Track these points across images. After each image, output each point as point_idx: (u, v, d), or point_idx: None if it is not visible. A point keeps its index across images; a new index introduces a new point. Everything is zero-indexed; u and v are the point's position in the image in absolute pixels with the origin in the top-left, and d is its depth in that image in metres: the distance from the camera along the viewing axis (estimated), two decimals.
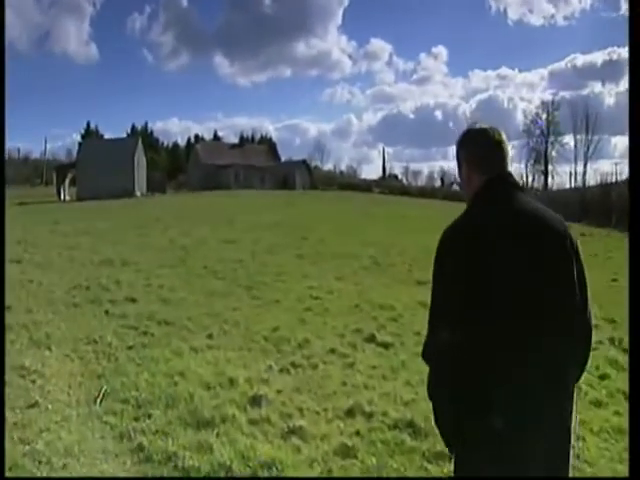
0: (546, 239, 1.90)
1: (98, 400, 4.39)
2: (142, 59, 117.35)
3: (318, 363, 5.49)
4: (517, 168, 57.93)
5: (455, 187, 59.20)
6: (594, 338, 2.05)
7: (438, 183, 72.95)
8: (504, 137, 2.05)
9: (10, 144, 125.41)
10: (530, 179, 59.46)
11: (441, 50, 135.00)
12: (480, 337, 1.79)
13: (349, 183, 67.86)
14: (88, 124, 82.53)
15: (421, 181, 76.00)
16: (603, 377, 5.29)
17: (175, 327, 6.69)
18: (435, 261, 1.91)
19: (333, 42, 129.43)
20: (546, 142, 60.42)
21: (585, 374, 2.13)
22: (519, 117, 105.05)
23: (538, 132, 60.78)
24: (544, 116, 60.54)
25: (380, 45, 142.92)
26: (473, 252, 1.82)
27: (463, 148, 2.08)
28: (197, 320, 6.98)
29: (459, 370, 1.80)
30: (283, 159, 69.89)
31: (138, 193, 51.98)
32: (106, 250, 12.71)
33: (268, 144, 75.14)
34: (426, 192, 58.38)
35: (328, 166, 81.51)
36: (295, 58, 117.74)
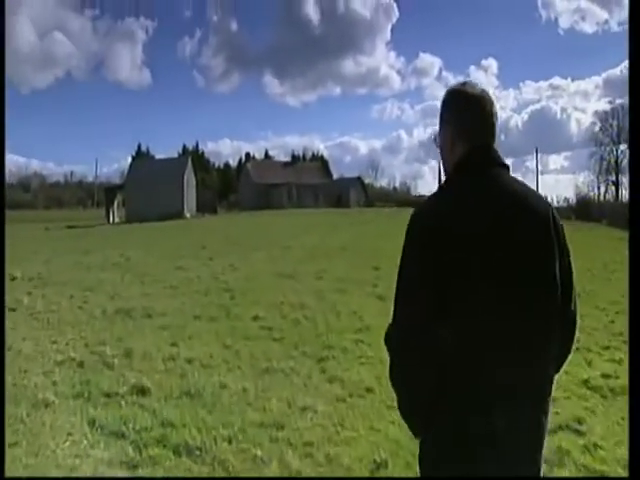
0: (526, 222, 1.68)
1: None
2: (193, 82, 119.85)
3: None
4: (587, 177, 54.24)
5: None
6: None
7: None
8: (495, 106, 1.77)
9: (66, 168, 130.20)
10: (602, 190, 55.11)
11: (491, 62, 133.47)
12: (450, 327, 1.61)
13: (406, 199, 66.40)
14: (139, 146, 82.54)
15: None
16: None
17: (204, 464, 3.63)
18: (404, 243, 1.69)
19: (381, 58, 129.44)
20: (616, 151, 55.78)
21: None
22: (573, 128, 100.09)
23: (607, 140, 56.14)
24: (614, 123, 55.79)
25: (429, 60, 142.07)
26: (445, 235, 1.61)
27: (450, 110, 1.80)
28: (244, 450, 3.87)
29: (429, 359, 1.62)
30: (335, 177, 67.65)
31: (187, 214, 50.15)
32: (130, 292, 9.86)
33: (320, 161, 73.27)
34: None
35: (380, 183, 79.56)
36: (344, 76, 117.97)
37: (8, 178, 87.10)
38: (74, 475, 3.17)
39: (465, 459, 1.62)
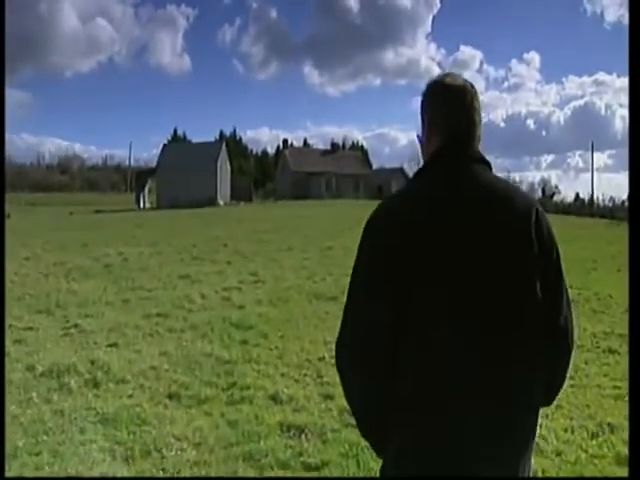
0: (498, 221, 1.49)
1: None
2: (233, 69, 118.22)
3: None
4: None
5: (555, 198, 55.46)
6: None
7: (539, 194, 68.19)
8: (478, 99, 1.61)
9: (107, 152, 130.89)
10: None
11: (533, 56, 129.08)
12: (402, 346, 1.43)
13: None
14: (175, 130, 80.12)
15: None
16: None
17: None
18: (361, 240, 1.53)
19: (422, 50, 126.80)
20: None
21: None
22: (618, 125, 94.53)
23: None
24: None
25: (470, 52, 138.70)
26: (401, 237, 1.44)
27: (428, 100, 1.64)
28: None
29: (380, 381, 1.46)
30: (374, 168, 64.36)
31: (221, 201, 47.31)
32: (91, 322, 6.63)
33: (360, 151, 69.91)
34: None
35: None
36: (384, 67, 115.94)
37: (49, 159, 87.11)
38: None
39: None
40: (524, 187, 75.23)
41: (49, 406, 4.15)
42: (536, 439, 1.53)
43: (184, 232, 18.43)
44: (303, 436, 3.71)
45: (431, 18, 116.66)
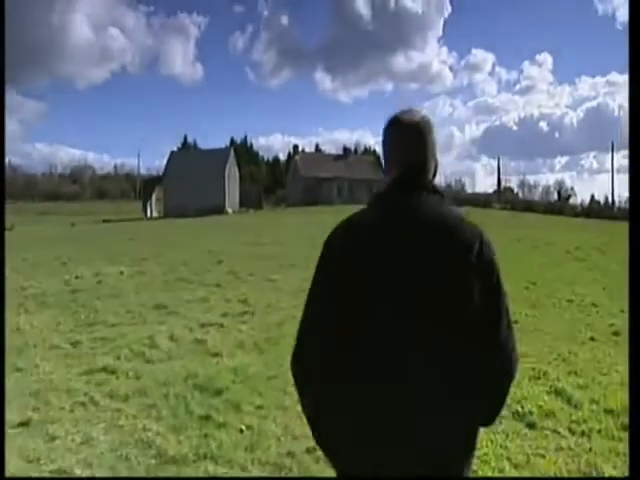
0: (443, 249, 1.55)
1: None
2: (245, 77, 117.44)
3: None
4: None
5: (572, 201, 56.01)
6: None
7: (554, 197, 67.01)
8: (433, 134, 1.70)
9: (118, 160, 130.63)
10: None
11: (546, 57, 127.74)
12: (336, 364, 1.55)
13: (463, 198, 61.85)
14: (185, 138, 78.98)
15: (537, 195, 69.74)
16: None
17: None
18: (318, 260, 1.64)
19: (433, 54, 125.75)
20: None
21: None
22: None
23: None
24: None
25: (482, 55, 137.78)
26: (342, 262, 1.56)
27: (386, 136, 1.76)
28: None
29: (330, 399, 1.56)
30: None
31: (229, 209, 45.84)
32: (24, 382, 5.00)
33: (373, 155, 68.17)
34: (554, 208, 50.75)
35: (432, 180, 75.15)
36: (395, 72, 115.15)
37: (61, 169, 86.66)
38: None
39: None
40: (538, 191, 73.55)
41: None
42: None
43: (178, 245, 16.84)
44: None
45: (442, 22, 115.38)
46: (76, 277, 10.64)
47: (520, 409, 4.47)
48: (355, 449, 1.52)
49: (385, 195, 1.66)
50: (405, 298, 1.50)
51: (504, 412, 4.46)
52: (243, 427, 4.07)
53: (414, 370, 1.49)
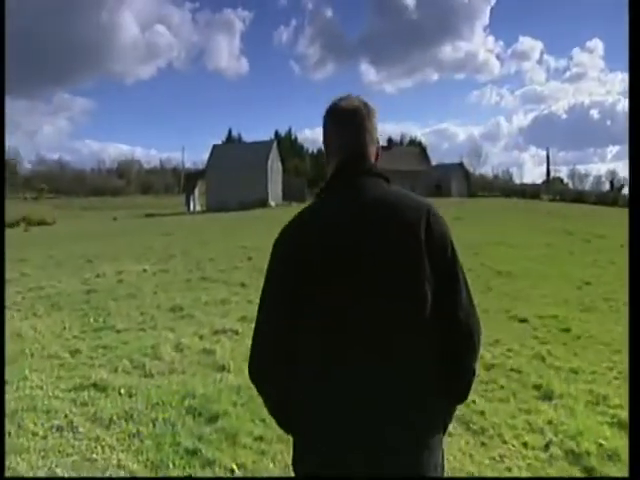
0: (388, 230, 1.51)
1: None
2: (289, 70, 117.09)
3: None
4: None
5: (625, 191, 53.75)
6: None
7: (606, 186, 64.41)
8: (372, 116, 1.67)
9: (164, 155, 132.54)
10: None
11: (596, 44, 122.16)
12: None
13: (512, 189, 59.96)
14: (230, 131, 79.11)
15: (588, 185, 67.14)
16: None
17: None
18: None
19: (480, 43, 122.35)
20: None
21: None
22: None
23: None
24: None
25: (530, 43, 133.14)
26: (292, 253, 1.52)
27: (325, 124, 1.71)
28: None
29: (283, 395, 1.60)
30: (433, 164, 61.13)
31: (272, 202, 45.45)
32: (7, 398, 4.47)
33: (419, 147, 66.74)
34: (607, 199, 48.69)
35: (479, 170, 73.07)
36: (441, 62, 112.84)
37: (109, 164, 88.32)
38: None
39: None
40: (589, 181, 70.68)
41: None
42: None
43: (211, 240, 16.39)
44: None
45: (489, 10, 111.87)
46: (97, 276, 10.25)
47: (575, 447, 3.65)
48: (323, 439, 1.48)
49: (327, 186, 1.62)
50: (359, 283, 1.47)
51: (557, 451, 3.64)
52: (234, 466, 3.40)
53: (376, 353, 1.46)
